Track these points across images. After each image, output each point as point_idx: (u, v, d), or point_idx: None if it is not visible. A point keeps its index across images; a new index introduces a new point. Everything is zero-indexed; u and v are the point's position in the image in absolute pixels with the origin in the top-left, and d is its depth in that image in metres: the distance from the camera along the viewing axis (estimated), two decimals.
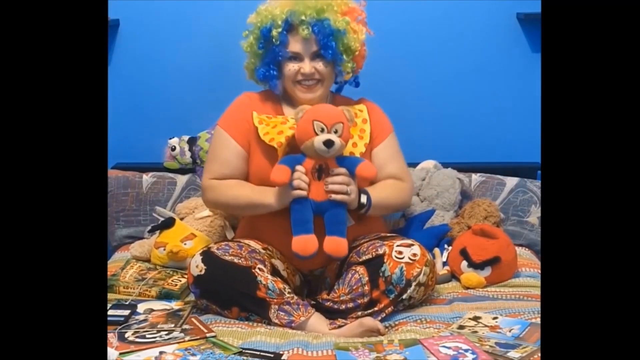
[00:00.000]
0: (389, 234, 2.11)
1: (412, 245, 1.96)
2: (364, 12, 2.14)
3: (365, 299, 1.93)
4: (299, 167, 1.93)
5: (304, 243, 1.89)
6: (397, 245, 1.95)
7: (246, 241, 2.07)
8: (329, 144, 1.88)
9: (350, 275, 1.97)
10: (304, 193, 1.91)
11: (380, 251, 1.95)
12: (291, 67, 2.07)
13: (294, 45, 2.06)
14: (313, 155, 1.92)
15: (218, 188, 2.10)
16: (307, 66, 2.06)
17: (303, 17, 2.03)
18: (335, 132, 1.91)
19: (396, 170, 2.17)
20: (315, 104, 2.08)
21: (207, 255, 1.97)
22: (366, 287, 1.93)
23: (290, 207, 1.93)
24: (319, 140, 1.89)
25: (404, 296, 1.94)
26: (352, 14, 2.10)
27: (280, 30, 2.03)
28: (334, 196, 1.92)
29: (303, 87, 2.09)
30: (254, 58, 2.13)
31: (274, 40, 2.04)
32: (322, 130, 1.90)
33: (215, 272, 1.94)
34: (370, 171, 1.96)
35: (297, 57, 2.07)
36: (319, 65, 2.07)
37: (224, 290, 1.94)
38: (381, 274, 1.93)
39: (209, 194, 2.13)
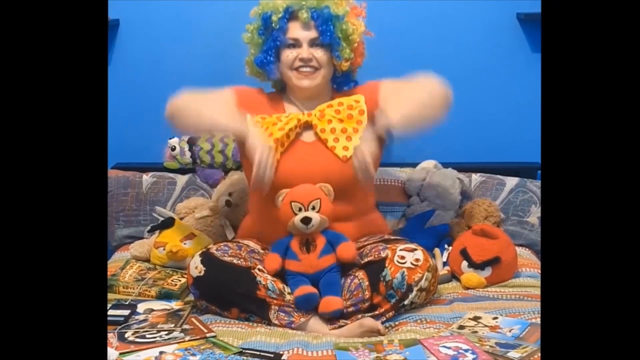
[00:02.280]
0: (392, 237, 2.11)
1: (416, 250, 1.95)
2: (364, 12, 2.15)
3: (366, 304, 1.93)
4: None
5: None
6: (400, 250, 1.94)
7: (245, 242, 2.07)
8: (306, 221, 1.96)
9: (349, 280, 1.97)
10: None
11: (383, 255, 1.95)
12: (289, 53, 2.09)
13: (293, 32, 2.08)
14: (298, 233, 1.99)
15: (188, 99, 2.07)
16: (305, 51, 2.07)
17: (304, 2, 2.06)
18: (313, 208, 1.97)
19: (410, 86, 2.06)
20: (313, 93, 2.11)
21: (207, 257, 1.96)
22: (366, 292, 1.93)
23: (288, 285, 1.98)
24: (297, 219, 1.97)
25: (406, 302, 1.93)
26: (352, 12, 2.12)
27: (280, 15, 2.06)
28: None
29: (300, 73, 2.09)
30: (253, 48, 2.14)
31: (273, 25, 2.06)
32: (300, 210, 1.97)
33: (214, 273, 1.93)
34: (350, 253, 1.97)
35: (295, 44, 2.08)
36: (317, 52, 2.08)
37: (224, 291, 1.93)
38: (382, 279, 1.92)
39: (174, 103, 2.07)
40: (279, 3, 2.08)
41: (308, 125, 2.11)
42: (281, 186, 2.00)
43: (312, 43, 2.08)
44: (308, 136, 2.12)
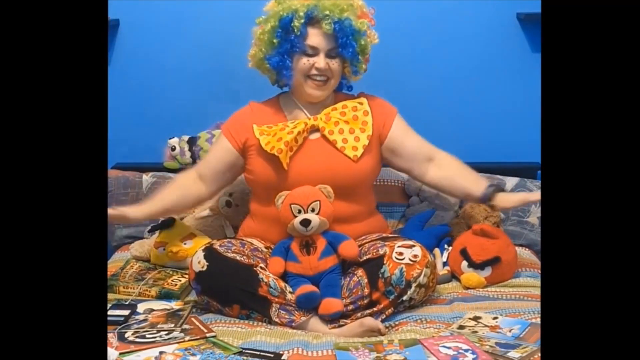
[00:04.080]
0: (391, 235, 2.12)
1: (414, 246, 1.96)
2: (374, 20, 2.14)
3: (365, 301, 1.93)
4: None
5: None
6: (398, 246, 1.95)
7: (249, 239, 2.08)
8: (305, 223, 1.97)
9: (349, 278, 1.98)
10: None
11: (381, 252, 1.95)
12: (305, 61, 2.06)
13: (313, 39, 2.06)
14: (298, 235, 2.01)
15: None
16: (321, 61, 2.06)
17: (327, 12, 2.02)
18: (313, 210, 1.98)
19: (424, 147, 2.22)
20: (322, 102, 2.12)
21: (210, 252, 1.97)
22: (365, 290, 1.93)
23: (290, 286, 1.99)
24: (297, 221, 1.98)
25: (404, 297, 1.93)
26: (365, 19, 2.11)
27: (302, 21, 2.02)
28: None
29: (314, 82, 2.08)
30: (265, 47, 2.09)
31: (295, 30, 2.03)
32: (300, 212, 1.98)
33: (217, 269, 1.94)
34: (352, 250, 1.98)
35: (312, 52, 2.06)
36: (333, 62, 2.07)
37: (226, 287, 1.94)
38: (380, 275, 1.93)
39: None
40: (299, 6, 2.03)
41: (315, 130, 2.12)
42: (295, 186, 2.01)
43: (329, 53, 2.07)
44: (316, 140, 2.12)
